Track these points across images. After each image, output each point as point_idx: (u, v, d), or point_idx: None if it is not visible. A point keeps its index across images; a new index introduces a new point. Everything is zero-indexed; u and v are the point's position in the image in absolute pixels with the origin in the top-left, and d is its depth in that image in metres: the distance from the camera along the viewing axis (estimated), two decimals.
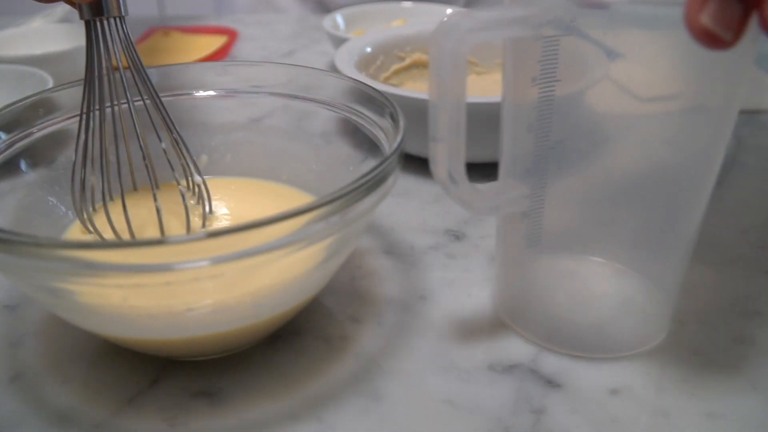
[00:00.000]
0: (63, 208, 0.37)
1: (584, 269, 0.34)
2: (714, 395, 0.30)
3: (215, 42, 0.81)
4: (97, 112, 0.34)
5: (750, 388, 0.30)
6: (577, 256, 0.34)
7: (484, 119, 0.40)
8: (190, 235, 0.24)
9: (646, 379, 0.30)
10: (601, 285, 0.34)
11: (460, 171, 0.28)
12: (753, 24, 0.23)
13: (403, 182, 0.46)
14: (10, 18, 0.87)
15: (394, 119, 0.33)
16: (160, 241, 0.24)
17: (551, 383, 0.30)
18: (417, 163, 0.49)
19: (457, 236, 0.41)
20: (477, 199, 0.29)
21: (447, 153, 0.28)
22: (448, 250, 0.40)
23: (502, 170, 0.32)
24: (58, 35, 0.67)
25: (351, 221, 0.27)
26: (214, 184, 0.40)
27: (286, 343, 0.33)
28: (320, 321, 0.34)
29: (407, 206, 0.44)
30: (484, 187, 0.30)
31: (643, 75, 0.28)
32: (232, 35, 0.86)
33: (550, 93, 0.29)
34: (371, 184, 0.28)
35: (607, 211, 0.32)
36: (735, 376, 0.31)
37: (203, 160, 0.42)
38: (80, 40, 0.62)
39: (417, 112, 0.39)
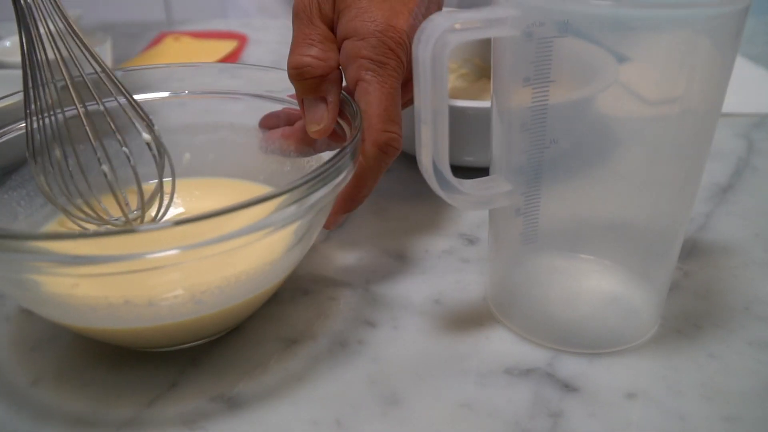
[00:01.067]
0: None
1: (576, 266, 0.35)
2: (730, 399, 0.30)
3: (226, 47, 0.82)
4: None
5: (766, 391, 0.30)
6: (571, 253, 0.34)
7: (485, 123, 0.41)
8: (158, 224, 0.25)
9: (662, 383, 0.30)
10: (594, 281, 0.34)
11: (444, 165, 0.29)
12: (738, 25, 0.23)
13: (416, 186, 0.47)
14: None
15: (353, 117, 0.35)
16: (128, 231, 0.25)
17: (568, 387, 0.30)
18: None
19: (470, 240, 0.41)
20: (461, 192, 0.30)
21: (431, 147, 0.28)
22: (462, 255, 0.40)
23: (493, 167, 0.32)
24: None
25: (309, 210, 0.29)
26: (186, 183, 0.41)
27: (303, 348, 0.33)
28: (336, 326, 0.34)
29: (421, 210, 0.44)
30: (470, 181, 0.31)
31: (647, 77, 0.29)
32: (242, 40, 0.86)
33: (545, 93, 0.29)
34: (325, 176, 0.29)
35: (602, 210, 0.32)
36: (751, 380, 0.31)
37: (186, 158, 0.43)
38: (93, 46, 0.62)
39: None
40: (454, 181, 0.29)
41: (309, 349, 0.33)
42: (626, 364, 0.32)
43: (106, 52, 0.62)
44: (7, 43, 0.70)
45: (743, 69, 0.72)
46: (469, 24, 0.27)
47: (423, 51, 0.26)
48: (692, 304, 0.36)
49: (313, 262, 0.39)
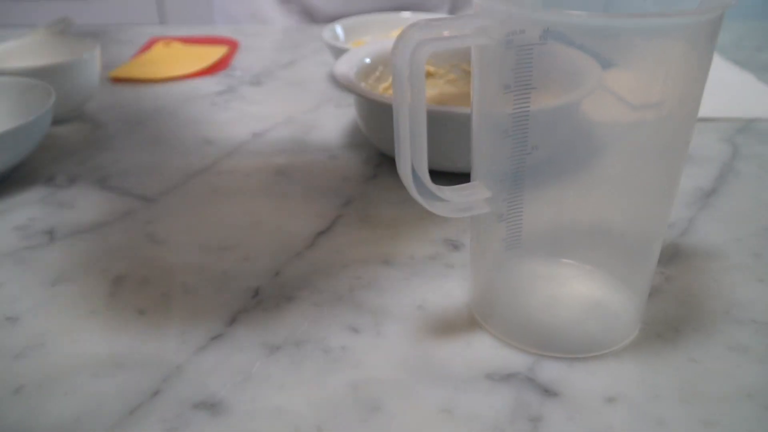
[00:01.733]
0: None
1: (558, 271, 0.35)
2: (709, 403, 0.30)
3: (216, 52, 0.82)
4: None
5: (744, 395, 0.30)
6: (553, 258, 0.35)
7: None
8: None
9: (641, 387, 0.31)
10: (575, 286, 0.35)
11: (423, 172, 0.29)
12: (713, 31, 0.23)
13: (403, 192, 0.47)
14: (10, 30, 0.88)
15: None
16: None
17: (548, 392, 0.31)
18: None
19: (455, 246, 0.42)
20: (441, 199, 0.30)
21: (409, 153, 0.29)
22: (447, 260, 0.40)
23: (473, 173, 0.32)
24: (60, 47, 0.68)
25: None
26: None
27: (286, 355, 0.33)
28: (320, 332, 0.35)
29: (406, 216, 0.45)
30: (449, 188, 0.31)
31: (628, 82, 0.29)
32: (233, 45, 0.86)
33: (526, 100, 0.30)
34: None
35: (584, 214, 0.33)
36: (730, 384, 0.31)
37: None
38: (82, 52, 0.62)
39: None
40: (434, 188, 0.30)
41: (292, 356, 0.33)
42: (606, 368, 0.32)
43: (95, 60, 0.62)
44: None
45: (730, 73, 0.72)
46: (447, 33, 0.27)
47: (400, 60, 0.27)
48: (673, 309, 0.36)
49: (298, 269, 0.40)
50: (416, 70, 0.27)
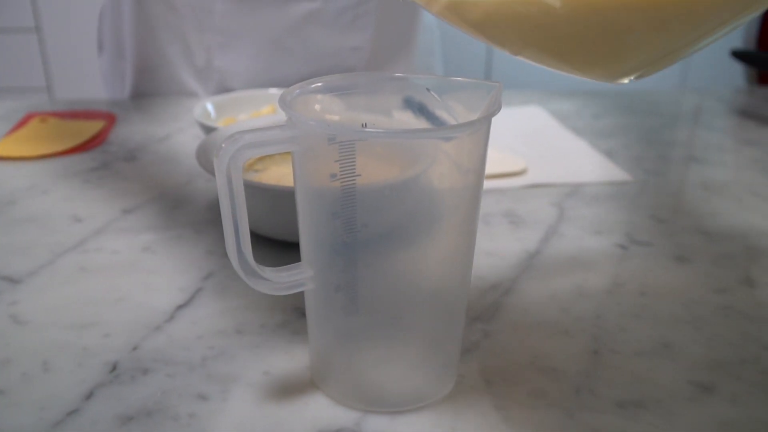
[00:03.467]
0: None
1: (389, 333, 0.39)
2: None
3: (93, 127, 0.84)
4: None
5: None
6: (389, 319, 0.39)
7: None
8: None
9: None
10: (401, 347, 0.39)
11: (248, 257, 0.34)
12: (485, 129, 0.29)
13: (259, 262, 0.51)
14: None
15: None
16: None
17: None
18: (272, 245, 0.54)
19: (303, 313, 0.46)
20: (263, 278, 0.35)
21: (234, 240, 0.33)
22: (294, 327, 0.45)
23: (303, 249, 0.37)
24: None
25: None
26: None
27: (138, 425, 0.36)
28: (171, 401, 0.38)
29: None
30: (271, 269, 0.35)
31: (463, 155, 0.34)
32: (110, 119, 0.89)
33: (352, 185, 0.34)
34: None
35: (416, 280, 0.37)
36: (526, 429, 0.36)
37: None
38: None
39: (272, 198, 0.48)
40: (257, 268, 0.34)
41: (143, 426, 0.36)
42: (424, 419, 0.37)
43: None
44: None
45: (565, 141, 0.81)
46: (259, 142, 0.32)
47: (219, 167, 0.31)
48: (488, 362, 0.41)
49: (156, 342, 0.43)
50: (236, 171, 0.32)
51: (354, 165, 0.35)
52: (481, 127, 0.33)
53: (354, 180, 0.35)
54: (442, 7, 0.32)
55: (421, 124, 0.38)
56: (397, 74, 0.38)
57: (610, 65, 0.31)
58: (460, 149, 0.34)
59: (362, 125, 0.38)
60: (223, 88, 0.99)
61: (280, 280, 0.35)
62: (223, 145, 0.31)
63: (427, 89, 0.37)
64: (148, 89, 1.02)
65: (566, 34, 0.29)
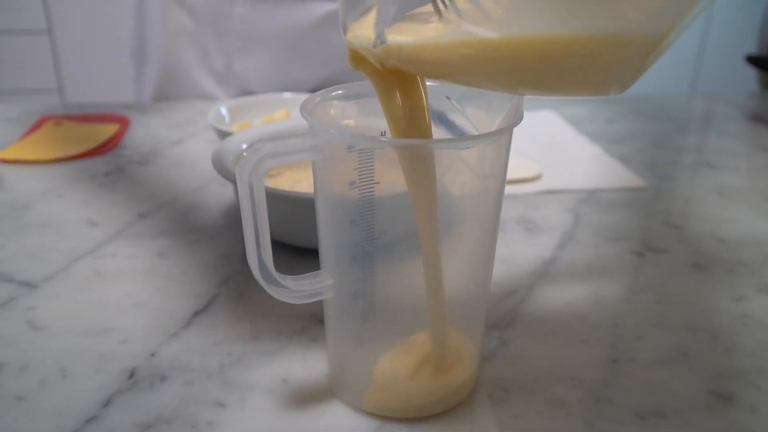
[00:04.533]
0: None
1: (408, 340, 0.39)
2: None
3: (107, 131, 0.85)
4: None
5: None
6: (406, 328, 0.39)
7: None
8: None
9: None
10: (417, 353, 0.39)
11: (269, 265, 0.34)
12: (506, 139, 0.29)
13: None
14: None
15: None
16: None
17: None
18: (288, 251, 0.54)
19: (321, 320, 0.46)
20: (284, 287, 0.35)
21: (255, 248, 0.33)
22: (312, 334, 0.45)
23: (323, 257, 0.37)
24: None
25: None
26: None
27: None
28: (189, 408, 0.38)
29: None
30: (292, 277, 0.35)
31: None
32: (124, 123, 0.89)
33: (371, 193, 0.34)
34: None
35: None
36: None
37: None
38: None
39: (288, 205, 0.48)
40: (278, 276, 0.34)
41: None
42: (442, 427, 0.37)
43: None
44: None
45: (579, 147, 0.81)
46: (281, 152, 0.32)
47: (241, 177, 0.31)
48: (505, 370, 0.41)
49: (173, 349, 0.43)
50: (257, 180, 0.32)
51: (373, 173, 0.35)
52: (502, 136, 0.33)
53: (373, 188, 0.35)
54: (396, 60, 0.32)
55: (439, 131, 0.38)
56: None
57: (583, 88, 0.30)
58: (480, 158, 0.34)
59: (381, 133, 0.38)
60: (243, 92, 1.01)
61: (300, 288, 0.35)
62: (244, 155, 0.31)
63: (447, 97, 0.37)
64: (170, 95, 1.03)
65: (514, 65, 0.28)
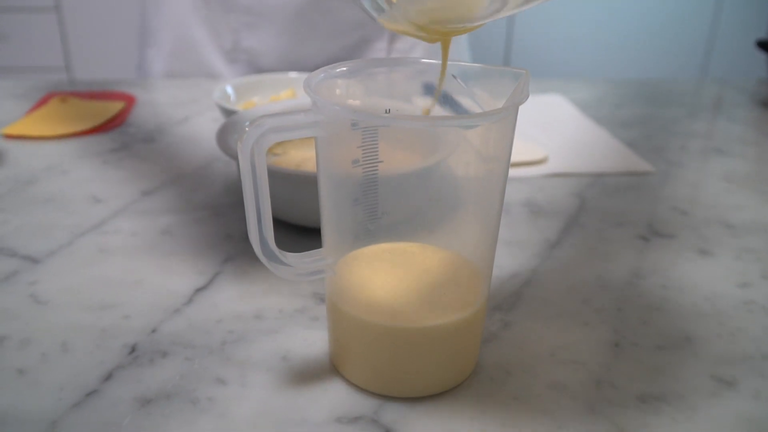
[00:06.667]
0: None
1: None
2: None
3: (113, 108, 0.85)
4: None
5: (556, 427, 0.35)
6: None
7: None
8: None
9: (471, 424, 0.35)
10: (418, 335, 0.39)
11: (270, 242, 0.34)
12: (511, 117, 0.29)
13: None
14: None
15: None
16: None
17: (390, 431, 0.35)
18: (291, 230, 0.54)
19: (322, 299, 0.46)
20: (285, 264, 0.35)
21: (256, 225, 0.33)
22: (313, 313, 0.44)
23: (325, 236, 0.37)
24: None
25: None
26: None
27: (156, 407, 0.36)
28: (190, 384, 0.38)
29: None
30: (293, 254, 0.35)
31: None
32: (129, 101, 0.89)
33: (374, 171, 0.34)
34: None
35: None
36: (545, 420, 0.36)
37: None
38: None
39: (292, 184, 0.48)
40: (279, 253, 0.34)
41: (162, 408, 0.36)
42: (443, 407, 0.36)
43: None
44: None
45: (586, 131, 0.80)
46: (284, 127, 0.32)
47: (243, 152, 0.31)
48: (507, 353, 0.41)
49: (175, 325, 0.43)
50: (260, 156, 0.31)
51: (377, 151, 0.35)
52: (507, 115, 0.33)
53: (376, 166, 0.35)
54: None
55: (443, 110, 0.38)
56: (422, 59, 0.38)
57: None
58: (484, 138, 0.34)
59: (386, 111, 0.37)
60: (252, 69, 1.00)
61: (301, 266, 0.35)
62: (246, 130, 0.31)
63: (453, 76, 0.37)
64: (178, 73, 1.03)
65: None
